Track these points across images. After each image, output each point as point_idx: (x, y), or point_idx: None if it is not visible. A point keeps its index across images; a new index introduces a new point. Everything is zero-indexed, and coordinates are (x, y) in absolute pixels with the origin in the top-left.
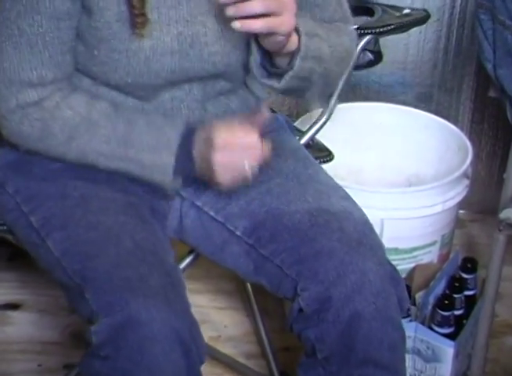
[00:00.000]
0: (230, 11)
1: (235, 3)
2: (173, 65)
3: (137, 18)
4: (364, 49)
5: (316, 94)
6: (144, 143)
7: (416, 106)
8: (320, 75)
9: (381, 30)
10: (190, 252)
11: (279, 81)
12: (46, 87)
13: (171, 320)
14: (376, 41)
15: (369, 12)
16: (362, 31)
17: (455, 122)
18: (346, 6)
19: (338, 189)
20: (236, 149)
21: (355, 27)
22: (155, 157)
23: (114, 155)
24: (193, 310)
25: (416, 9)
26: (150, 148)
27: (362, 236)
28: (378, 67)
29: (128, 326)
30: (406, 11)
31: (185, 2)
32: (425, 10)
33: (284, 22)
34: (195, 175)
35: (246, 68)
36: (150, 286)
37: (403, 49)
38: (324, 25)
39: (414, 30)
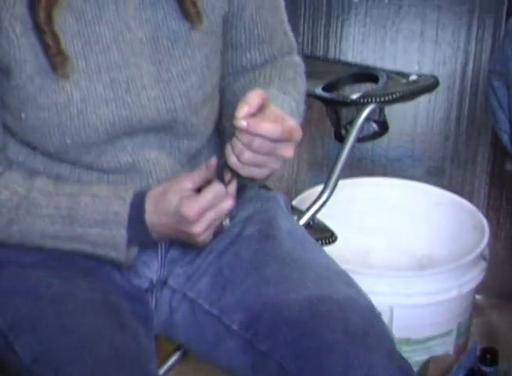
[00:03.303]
0: (240, 123)
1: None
2: (110, 115)
3: (54, 58)
4: (368, 119)
5: None
6: (91, 219)
7: (426, 182)
8: None
9: (386, 98)
10: (177, 349)
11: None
12: None
13: None
14: (381, 111)
15: (373, 78)
16: (366, 100)
17: (470, 198)
18: (291, 35)
19: (341, 273)
20: (207, 212)
21: (358, 95)
22: (105, 233)
23: (62, 236)
24: None
25: (424, 75)
26: (98, 224)
27: (368, 327)
28: (384, 139)
29: None
30: (413, 77)
31: (114, 45)
32: (434, 76)
33: (285, 148)
34: (154, 243)
35: (210, 121)
36: None
37: (411, 119)
38: (285, 84)
39: (423, 99)
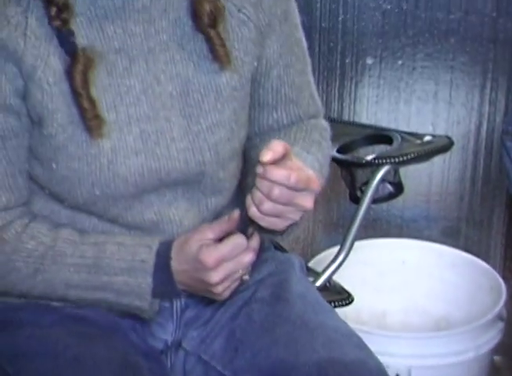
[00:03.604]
0: (260, 169)
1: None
2: (140, 167)
3: (90, 121)
4: (383, 181)
5: None
6: (117, 268)
7: (442, 242)
8: None
9: (401, 159)
10: None
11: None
12: (0, 214)
13: None
14: (396, 172)
15: (388, 140)
16: (381, 161)
17: (486, 259)
18: (317, 98)
19: (352, 336)
20: (227, 262)
21: (373, 156)
22: (130, 281)
23: (86, 285)
24: None
25: (439, 136)
26: (124, 271)
27: None
28: (399, 200)
29: None
30: (428, 138)
31: (144, 98)
32: (448, 137)
33: (304, 198)
34: (178, 294)
35: (235, 177)
36: None
37: (426, 180)
38: (309, 145)
39: (437, 159)
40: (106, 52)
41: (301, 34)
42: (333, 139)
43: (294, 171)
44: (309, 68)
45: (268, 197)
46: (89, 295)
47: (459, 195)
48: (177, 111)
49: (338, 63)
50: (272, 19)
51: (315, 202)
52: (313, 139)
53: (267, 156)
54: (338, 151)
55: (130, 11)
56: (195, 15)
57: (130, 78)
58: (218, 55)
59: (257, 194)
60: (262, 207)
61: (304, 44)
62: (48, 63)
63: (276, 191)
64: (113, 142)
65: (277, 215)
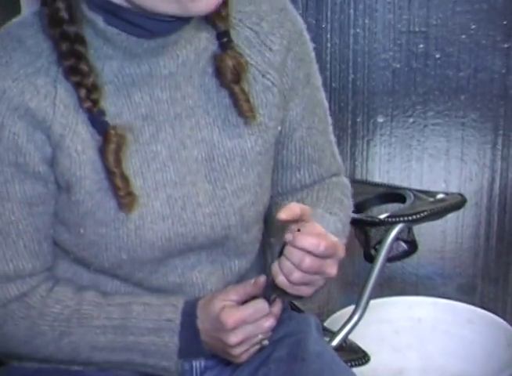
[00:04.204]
0: (289, 237)
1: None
2: (167, 232)
3: (123, 199)
4: (397, 239)
5: None
6: (143, 328)
7: (458, 299)
8: None
9: (414, 217)
10: None
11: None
12: (26, 280)
13: None
14: (410, 230)
15: (401, 198)
16: (394, 219)
17: (502, 315)
18: (338, 156)
19: None
20: (247, 325)
21: (386, 215)
22: (157, 341)
23: (112, 346)
24: None
25: (452, 194)
26: (151, 331)
27: None
28: (414, 257)
29: None
30: (440, 196)
31: (171, 163)
32: (461, 195)
33: (330, 266)
34: (204, 353)
35: (258, 239)
36: None
37: (440, 236)
38: (331, 204)
39: (451, 216)
40: (133, 119)
41: (322, 95)
42: None
43: (323, 239)
44: (330, 128)
45: (299, 266)
46: (115, 357)
47: (474, 251)
48: (202, 176)
49: (349, 122)
50: (295, 82)
51: None
52: (335, 198)
53: (283, 214)
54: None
55: (157, 78)
56: (218, 72)
57: (157, 144)
58: (243, 110)
59: (287, 264)
60: (292, 277)
61: (326, 104)
62: (77, 132)
63: (307, 261)
64: (141, 208)
65: (305, 284)
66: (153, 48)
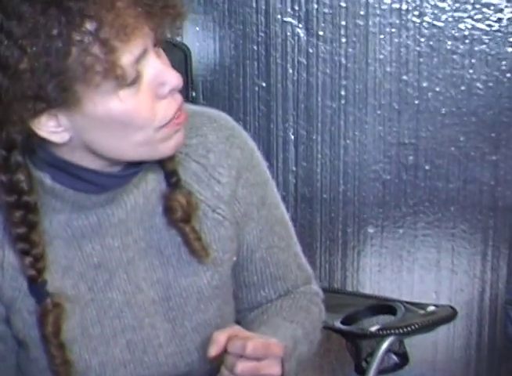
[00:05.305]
0: (212, 352)
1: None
2: None
3: (58, 367)
4: (388, 351)
5: None
6: None
7: None
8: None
9: (405, 330)
10: None
11: None
12: None
13: None
14: (401, 342)
15: (391, 310)
16: (385, 332)
17: None
18: (306, 266)
19: None
20: None
21: (377, 327)
22: None
23: None
24: None
25: (442, 306)
26: None
27: None
28: (405, 369)
29: None
30: (431, 308)
31: (127, 309)
32: (452, 307)
33: (269, 366)
34: None
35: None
36: None
37: (431, 347)
38: (295, 313)
39: (442, 327)
40: (85, 269)
41: (281, 211)
42: (337, 310)
43: (250, 340)
44: (294, 240)
45: (233, 372)
46: None
47: (466, 362)
48: (161, 316)
49: (340, 232)
50: (249, 207)
51: (321, 374)
52: (300, 306)
53: (212, 351)
54: (342, 322)
55: (106, 227)
56: (168, 211)
57: (112, 291)
58: (195, 249)
59: (225, 373)
60: None
61: (286, 218)
62: (27, 293)
63: (239, 366)
64: (101, 357)
65: None
66: (102, 200)
